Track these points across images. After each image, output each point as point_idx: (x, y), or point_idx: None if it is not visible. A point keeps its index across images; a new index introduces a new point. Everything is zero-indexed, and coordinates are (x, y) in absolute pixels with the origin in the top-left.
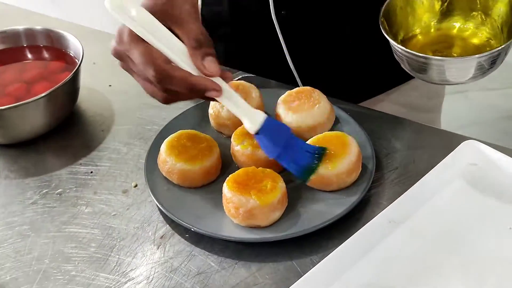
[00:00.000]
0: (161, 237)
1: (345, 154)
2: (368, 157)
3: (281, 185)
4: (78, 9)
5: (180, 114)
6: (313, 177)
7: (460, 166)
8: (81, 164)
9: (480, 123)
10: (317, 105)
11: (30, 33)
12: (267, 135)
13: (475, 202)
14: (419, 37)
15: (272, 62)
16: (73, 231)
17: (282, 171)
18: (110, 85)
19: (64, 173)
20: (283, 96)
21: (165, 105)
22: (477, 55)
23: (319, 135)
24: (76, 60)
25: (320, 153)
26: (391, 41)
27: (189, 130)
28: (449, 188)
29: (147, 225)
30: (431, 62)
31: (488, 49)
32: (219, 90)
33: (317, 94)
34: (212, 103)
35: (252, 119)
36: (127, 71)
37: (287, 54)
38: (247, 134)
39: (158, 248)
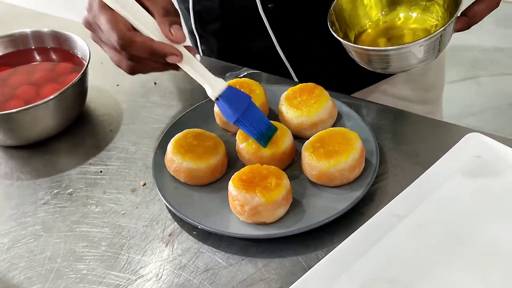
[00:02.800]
0: (170, 235)
1: (348, 150)
2: (372, 152)
3: (286, 182)
4: (84, 8)
5: (186, 112)
6: (315, 173)
7: (464, 159)
8: (90, 164)
9: (491, 109)
10: (319, 102)
11: (37, 35)
12: (227, 101)
13: (480, 195)
14: (369, 31)
15: (264, 55)
16: (84, 230)
17: (287, 168)
18: (117, 85)
19: (74, 173)
20: (285, 93)
21: (173, 104)
22: (415, 42)
23: (322, 132)
24: (84, 61)
25: (274, 128)
26: (335, 35)
27: (195, 129)
28: (453, 181)
29: (155, 223)
30: (371, 53)
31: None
32: (179, 55)
33: (319, 90)
34: None
35: (214, 86)
36: (96, 43)
37: (278, 46)
38: None
39: (166, 245)
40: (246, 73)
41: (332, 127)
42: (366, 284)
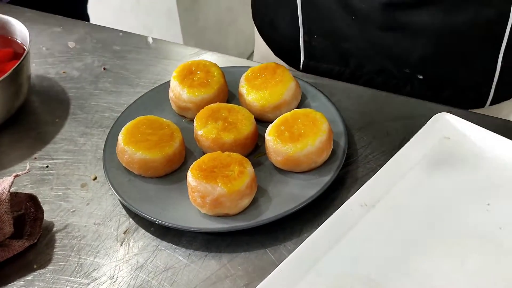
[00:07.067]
0: (124, 233)
1: (314, 133)
2: (340, 133)
3: (249, 169)
4: None
5: (138, 98)
6: (281, 159)
7: (433, 141)
8: (36, 158)
9: None
10: (282, 82)
11: None
12: None
13: (450, 178)
14: None
15: None
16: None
17: (250, 155)
18: (64, 72)
19: (18, 169)
20: (245, 73)
21: (124, 90)
22: None
23: (286, 114)
24: (24, 46)
25: None
26: None
27: (148, 116)
28: (422, 165)
29: (108, 220)
30: None
31: None
32: None
33: (281, 70)
34: (172, 85)
35: None
36: None
37: None
38: (210, 116)
39: (121, 244)
40: (203, 54)
41: (296, 108)
42: (337, 280)
